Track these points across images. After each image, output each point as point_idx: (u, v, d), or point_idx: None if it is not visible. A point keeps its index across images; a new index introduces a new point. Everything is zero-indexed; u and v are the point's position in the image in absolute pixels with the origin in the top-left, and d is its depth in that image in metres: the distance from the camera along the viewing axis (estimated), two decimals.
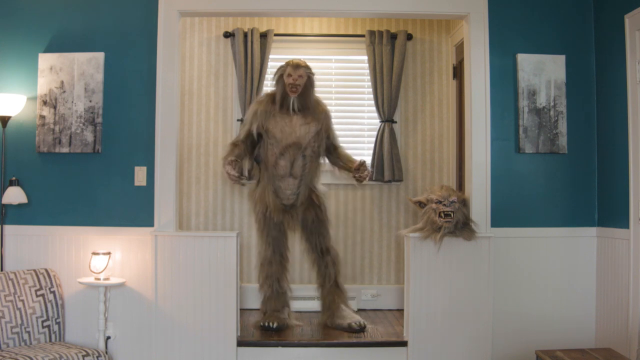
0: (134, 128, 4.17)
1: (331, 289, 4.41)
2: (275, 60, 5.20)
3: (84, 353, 3.60)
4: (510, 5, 4.23)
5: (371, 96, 5.14)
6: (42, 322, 3.84)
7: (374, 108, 5.13)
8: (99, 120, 4.13)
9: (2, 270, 4.05)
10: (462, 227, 3.97)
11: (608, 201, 4.09)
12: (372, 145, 5.12)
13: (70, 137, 4.13)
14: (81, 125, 4.13)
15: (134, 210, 4.14)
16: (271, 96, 4.23)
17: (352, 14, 4.40)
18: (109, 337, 4.08)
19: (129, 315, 4.11)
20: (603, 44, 4.16)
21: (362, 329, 4.22)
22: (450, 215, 3.92)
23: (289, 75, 4.08)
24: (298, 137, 4.13)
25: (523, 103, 4.18)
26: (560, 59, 4.21)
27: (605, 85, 4.13)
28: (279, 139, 4.13)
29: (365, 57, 5.15)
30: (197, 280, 3.98)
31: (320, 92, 4.81)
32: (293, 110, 4.13)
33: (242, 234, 5.14)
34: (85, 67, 4.14)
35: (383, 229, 5.21)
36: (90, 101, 4.13)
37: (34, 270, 3.96)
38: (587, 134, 4.23)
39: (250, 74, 5.00)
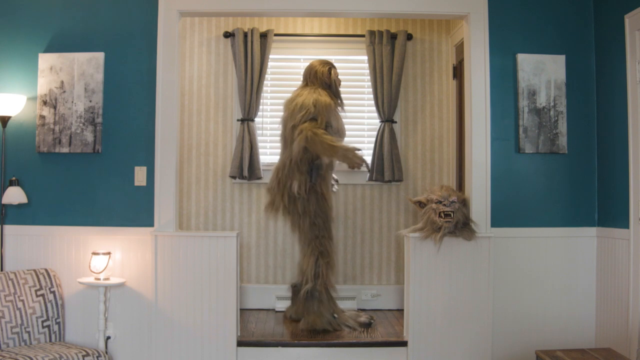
0: (134, 128, 4.17)
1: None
2: (275, 60, 5.21)
3: (84, 353, 3.60)
4: (510, 5, 4.23)
5: (371, 96, 5.14)
6: (42, 322, 3.84)
7: (374, 108, 5.13)
8: (99, 120, 4.13)
9: (2, 270, 4.05)
10: (462, 227, 3.98)
11: (608, 201, 4.09)
12: (372, 145, 5.12)
13: (70, 137, 4.13)
14: (81, 125, 4.13)
15: (134, 210, 4.14)
16: (325, 91, 4.35)
17: (352, 14, 4.40)
18: (109, 337, 4.08)
19: (129, 315, 4.11)
20: (603, 44, 4.16)
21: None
22: (450, 215, 3.92)
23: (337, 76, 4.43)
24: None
25: (523, 103, 4.18)
26: (560, 59, 4.21)
27: (605, 85, 4.13)
28: (341, 133, 4.32)
29: (365, 57, 5.15)
30: (197, 280, 3.98)
31: None
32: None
33: (242, 234, 5.14)
34: (85, 67, 4.14)
35: (383, 229, 5.21)
36: (90, 101, 4.13)
37: (34, 270, 3.96)
38: (587, 134, 4.23)
39: (250, 74, 5.00)
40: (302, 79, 4.48)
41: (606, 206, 4.11)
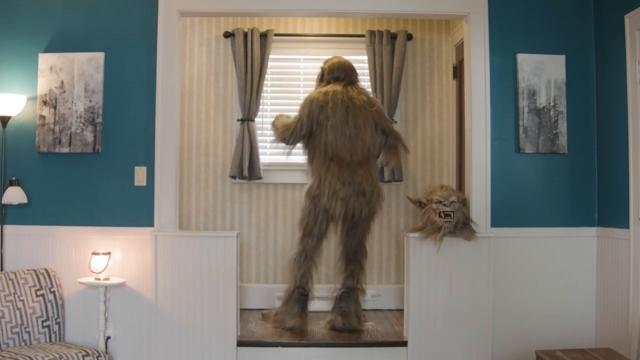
0: (134, 128, 4.17)
1: None
2: (275, 60, 5.21)
3: (84, 353, 3.60)
4: (510, 5, 4.23)
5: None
6: (42, 322, 3.84)
7: None
8: (99, 120, 4.14)
9: (2, 270, 4.05)
10: (462, 227, 3.98)
11: (608, 201, 4.09)
12: None
13: (70, 137, 4.13)
14: (81, 125, 4.13)
15: (134, 210, 4.14)
16: None
17: (352, 14, 4.40)
18: (109, 337, 4.08)
19: (129, 315, 4.11)
20: (603, 44, 4.16)
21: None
22: (450, 215, 3.92)
23: None
24: None
25: (523, 103, 4.18)
26: (560, 59, 4.21)
27: (605, 85, 4.13)
28: None
29: (365, 57, 5.15)
30: (197, 280, 3.98)
31: None
32: None
33: (242, 234, 5.14)
34: (85, 67, 4.14)
35: (383, 229, 5.20)
36: (90, 101, 4.13)
37: (34, 270, 3.96)
38: (587, 134, 4.23)
39: (250, 74, 5.00)
40: (339, 75, 4.25)
41: (606, 206, 4.11)
